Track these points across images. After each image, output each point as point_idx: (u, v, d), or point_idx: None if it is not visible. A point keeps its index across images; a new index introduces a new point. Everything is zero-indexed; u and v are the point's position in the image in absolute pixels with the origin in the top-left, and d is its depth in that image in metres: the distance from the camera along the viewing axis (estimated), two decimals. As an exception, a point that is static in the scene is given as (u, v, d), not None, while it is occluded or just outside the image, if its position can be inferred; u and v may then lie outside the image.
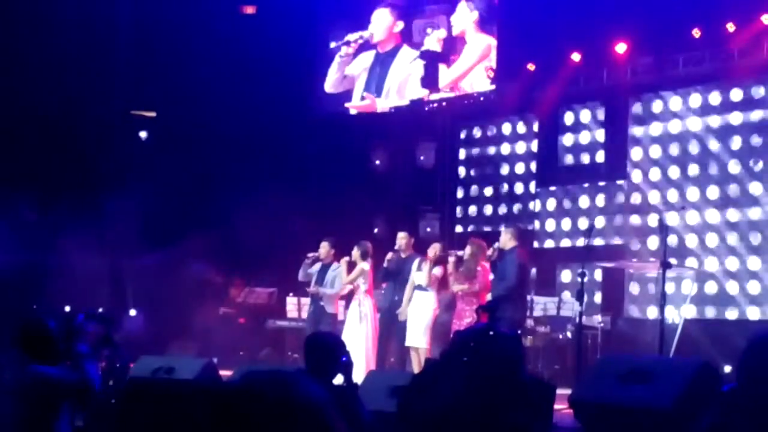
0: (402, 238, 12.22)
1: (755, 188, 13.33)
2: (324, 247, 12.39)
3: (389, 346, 12.19)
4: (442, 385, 3.72)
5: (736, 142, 13.62)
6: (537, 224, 15.79)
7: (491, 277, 11.33)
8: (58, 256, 14.70)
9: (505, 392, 3.59)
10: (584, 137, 15.47)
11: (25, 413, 5.03)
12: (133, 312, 16.67)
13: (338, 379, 5.05)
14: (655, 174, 14.39)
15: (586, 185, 15.26)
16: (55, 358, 5.25)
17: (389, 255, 12.08)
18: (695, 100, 14.10)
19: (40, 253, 14.55)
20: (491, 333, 3.81)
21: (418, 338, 11.48)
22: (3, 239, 13.99)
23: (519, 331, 10.74)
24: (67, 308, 15.04)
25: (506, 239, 11.02)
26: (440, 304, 11.69)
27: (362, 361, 11.25)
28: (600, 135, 15.23)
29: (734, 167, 13.58)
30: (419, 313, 11.66)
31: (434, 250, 11.81)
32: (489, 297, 11.11)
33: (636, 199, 14.56)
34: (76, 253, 14.70)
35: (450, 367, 3.88)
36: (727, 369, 9.75)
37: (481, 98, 15.30)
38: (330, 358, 4.99)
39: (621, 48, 14.18)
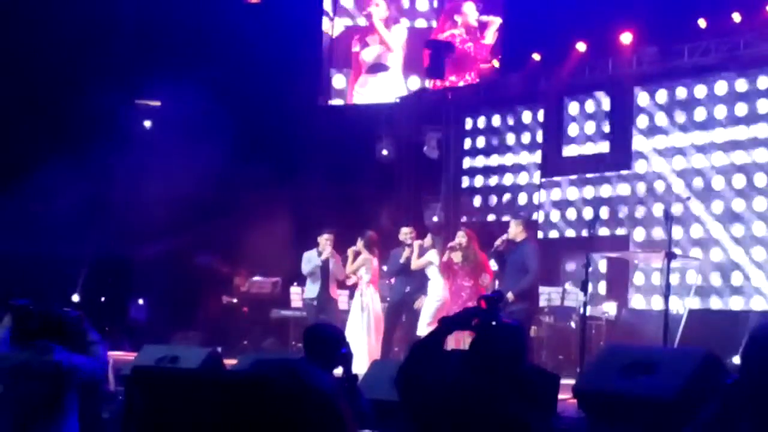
0: (406, 234, 12.20)
1: (760, 179, 13.29)
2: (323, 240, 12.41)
3: (394, 336, 12.19)
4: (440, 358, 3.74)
5: (741, 133, 13.58)
6: (541, 214, 15.76)
7: (494, 267, 11.38)
8: (62, 247, 14.71)
9: (507, 382, 3.59)
10: (589, 127, 15.42)
11: (39, 396, 5.06)
12: (140, 301, 16.73)
13: (338, 371, 5.03)
14: (659, 164, 14.36)
15: (590, 175, 15.23)
16: (74, 346, 5.31)
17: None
18: (700, 90, 14.05)
19: (46, 244, 14.57)
20: (494, 323, 3.81)
21: (422, 328, 11.45)
22: (8, 228, 14.00)
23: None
24: (75, 297, 15.11)
25: (517, 231, 10.99)
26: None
27: (364, 353, 11.23)
28: (605, 125, 15.19)
29: (739, 157, 13.54)
30: (425, 303, 11.65)
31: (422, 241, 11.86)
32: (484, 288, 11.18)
33: (640, 189, 14.52)
34: (81, 242, 14.73)
35: (447, 334, 3.95)
36: (736, 360, 9.73)
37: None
38: (329, 349, 4.97)
39: (626, 38, 14.13)
